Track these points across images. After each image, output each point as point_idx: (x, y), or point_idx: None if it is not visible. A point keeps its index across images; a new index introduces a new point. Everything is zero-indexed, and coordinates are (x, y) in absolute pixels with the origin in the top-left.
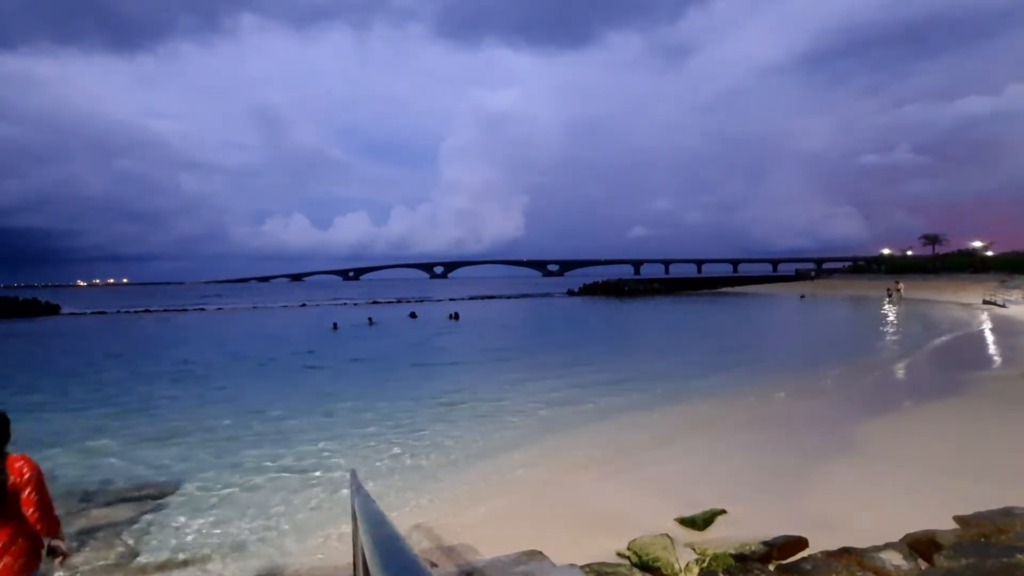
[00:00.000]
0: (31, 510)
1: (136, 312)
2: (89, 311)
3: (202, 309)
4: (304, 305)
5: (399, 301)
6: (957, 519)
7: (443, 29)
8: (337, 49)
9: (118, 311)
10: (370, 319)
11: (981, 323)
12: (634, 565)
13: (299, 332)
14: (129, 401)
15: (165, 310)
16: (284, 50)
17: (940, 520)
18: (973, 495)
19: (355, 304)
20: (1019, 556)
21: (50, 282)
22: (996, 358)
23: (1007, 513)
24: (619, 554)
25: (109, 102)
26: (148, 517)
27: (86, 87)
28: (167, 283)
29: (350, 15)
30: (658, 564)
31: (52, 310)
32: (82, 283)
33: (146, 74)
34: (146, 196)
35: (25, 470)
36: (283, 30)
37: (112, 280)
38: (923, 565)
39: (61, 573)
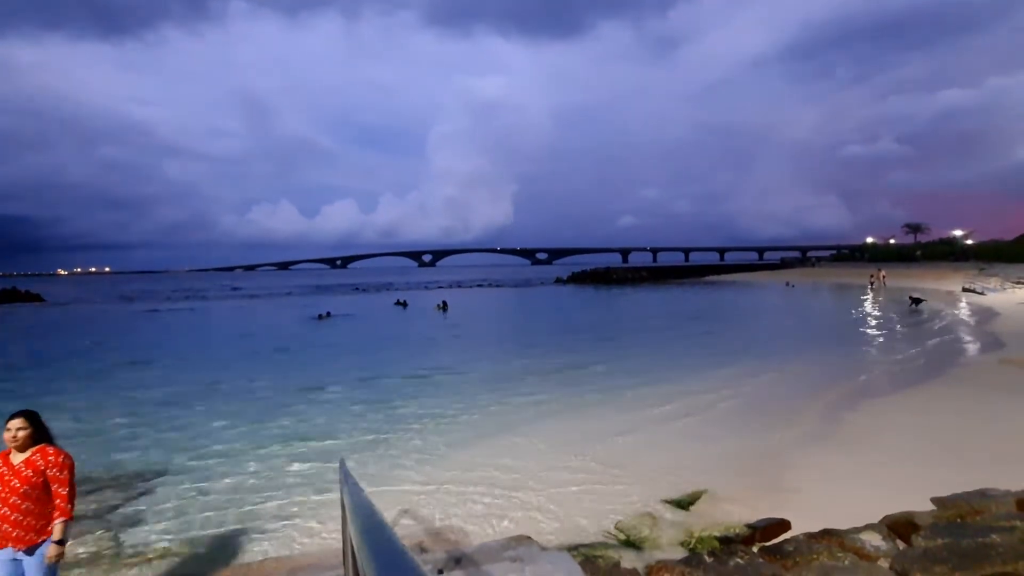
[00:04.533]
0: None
1: (126, 302)
2: (72, 301)
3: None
4: (290, 294)
5: (387, 288)
6: (935, 501)
7: (434, 16)
8: (326, 36)
9: (104, 302)
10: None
11: (961, 310)
12: (621, 546)
13: (286, 322)
14: (113, 391)
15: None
16: (272, 37)
17: (918, 502)
18: (951, 478)
19: (343, 295)
20: (993, 536)
21: (30, 271)
22: (975, 345)
23: (982, 495)
24: (606, 534)
25: (93, 88)
26: (132, 506)
27: (69, 73)
28: (151, 272)
29: (340, 2)
30: (645, 545)
31: (33, 299)
32: (63, 272)
33: (131, 60)
34: (130, 183)
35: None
36: (272, 16)
37: (94, 269)
38: (901, 545)
39: None
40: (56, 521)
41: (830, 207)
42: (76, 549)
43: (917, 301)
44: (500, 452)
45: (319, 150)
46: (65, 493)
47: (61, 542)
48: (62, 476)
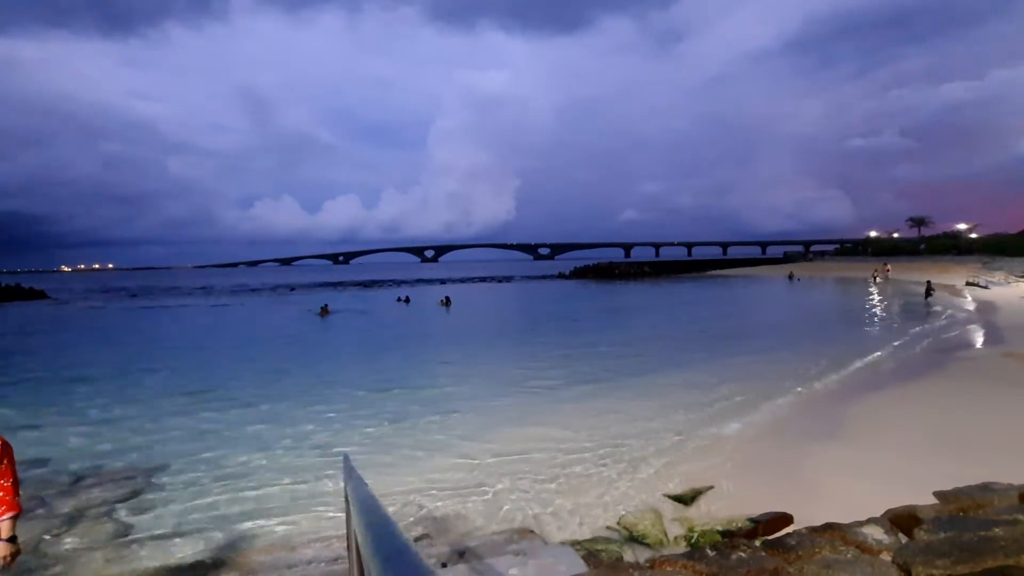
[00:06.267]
0: None
1: (134, 300)
2: (76, 298)
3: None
4: (294, 290)
5: (390, 284)
6: (937, 495)
7: (436, 11)
8: (328, 31)
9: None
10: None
11: (964, 304)
12: (624, 541)
13: (288, 318)
14: (116, 387)
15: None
16: (274, 32)
17: (921, 496)
18: (953, 471)
19: (345, 291)
20: (996, 529)
21: (34, 267)
22: (979, 338)
23: (985, 488)
24: (609, 529)
25: (96, 85)
26: (139, 497)
27: (73, 70)
28: (154, 268)
29: None
30: (647, 540)
31: (37, 296)
32: (66, 268)
33: (134, 56)
34: (133, 180)
35: None
36: (274, 12)
37: (97, 265)
38: (903, 539)
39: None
40: (3, 518)
41: (833, 201)
42: (81, 541)
43: (929, 292)
44: (503, 446)
45: (321, 145)
46: (8, 485)
47: (12, 539)
48: (1, 467)
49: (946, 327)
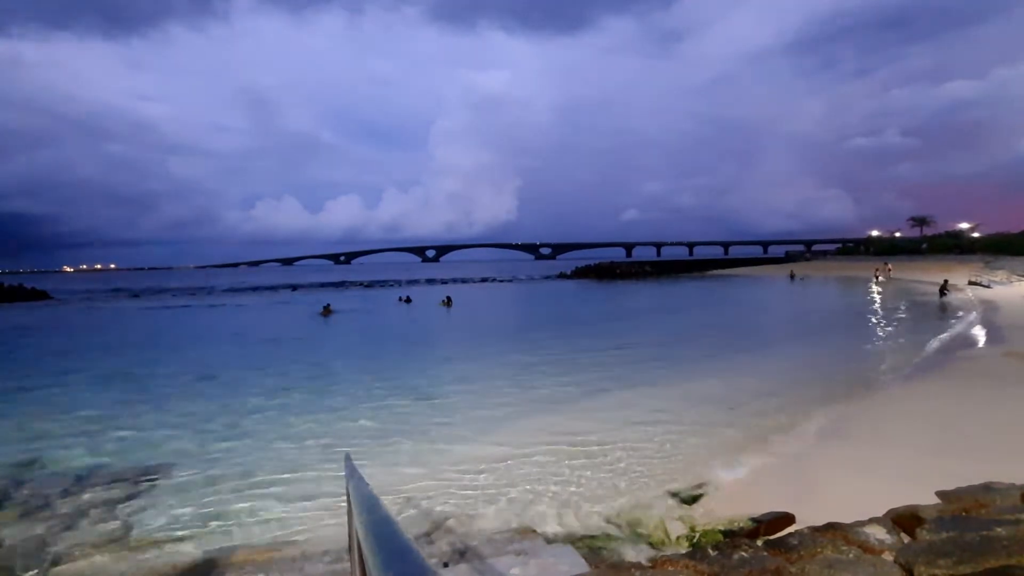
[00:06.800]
0: None
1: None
2: (79, 299)
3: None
4: (295, 290)
5: (391, 284)
6: (939, 494)
7: (437, 12)
8: (330, 32)
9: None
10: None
11: (965, 304)
12: (626, 540)
13: (290, 318)
14: (119, 388)
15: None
16: (276, 33)
17: (923, 496)
18: (956, 471)
19: (347, 291)
20: (997, 529)
21: (36, 268)
22: (981, 338)
23: (987, 488)
24: (612, 528)
25: (99, 86)
26: (141, 497)
27: (76, 71)
28: (157, 268)
29: None
30: (649, 539)
31: (40, 296)
32: (69, 269)
33: (137, 57)
34: (135, 180)
35: None
36: (276, 12)
37: (100, 266)
38: (905, 539)
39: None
40: None
41: (835, 200)
42: (81, 541)
43: (944, 290)
44: (504, 445)
45: (322, 145)
46: None
47: None
48: None
49: (947, 327)
